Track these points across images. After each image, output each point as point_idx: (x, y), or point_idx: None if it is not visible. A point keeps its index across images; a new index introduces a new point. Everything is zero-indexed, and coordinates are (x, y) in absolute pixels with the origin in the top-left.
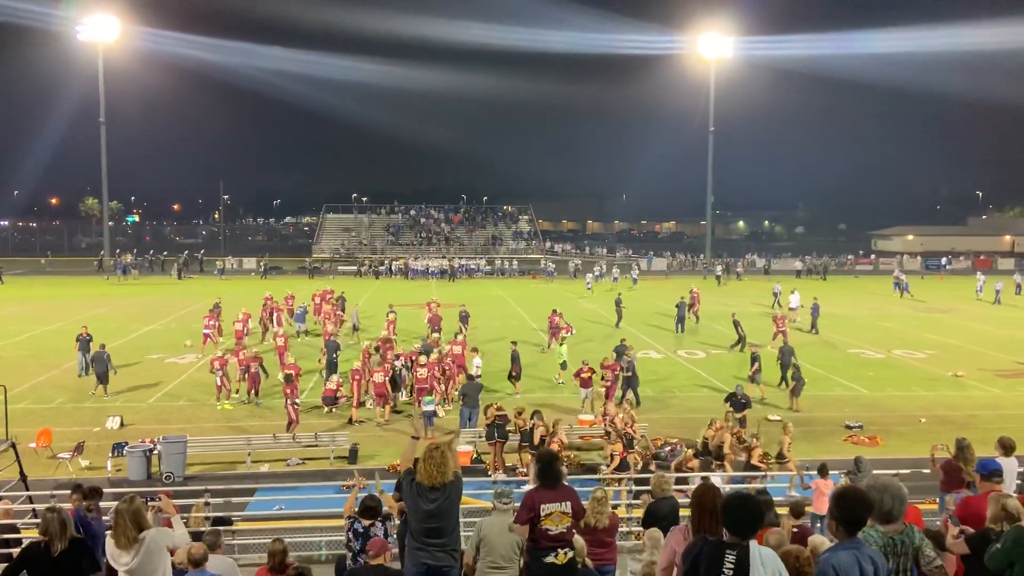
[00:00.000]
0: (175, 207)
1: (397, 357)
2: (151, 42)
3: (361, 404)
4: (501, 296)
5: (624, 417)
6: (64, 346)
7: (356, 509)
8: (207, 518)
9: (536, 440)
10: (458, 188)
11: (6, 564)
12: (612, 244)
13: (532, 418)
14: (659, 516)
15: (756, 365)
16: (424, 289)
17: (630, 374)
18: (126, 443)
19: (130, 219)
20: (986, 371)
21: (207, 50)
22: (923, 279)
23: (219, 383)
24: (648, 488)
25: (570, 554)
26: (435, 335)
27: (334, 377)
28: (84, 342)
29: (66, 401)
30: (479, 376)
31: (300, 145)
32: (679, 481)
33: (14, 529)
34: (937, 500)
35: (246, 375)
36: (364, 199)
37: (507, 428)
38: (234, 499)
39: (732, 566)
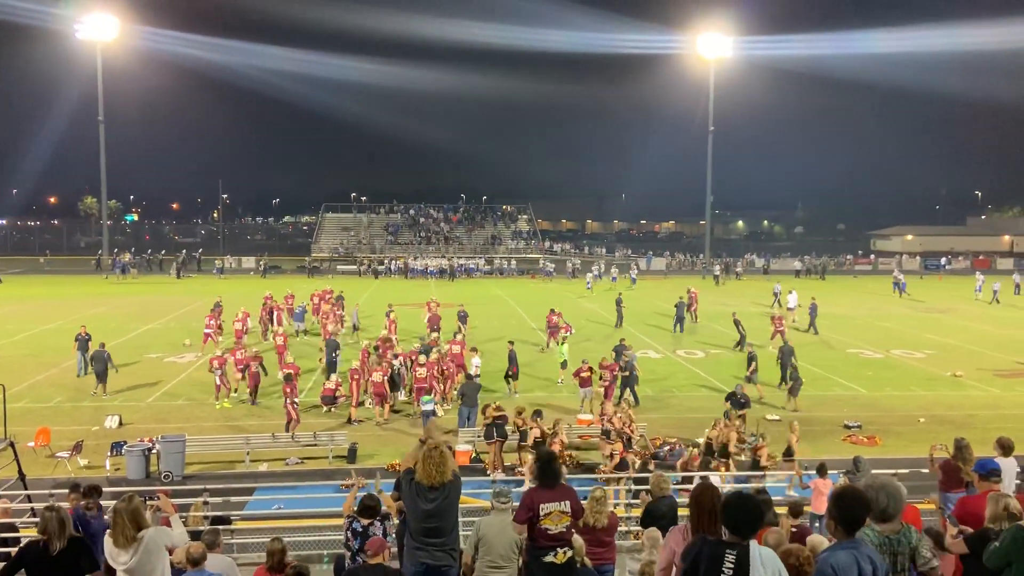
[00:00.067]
0: (174, 206)
1: (395, 356)
2: (150, 41)
3: (360, 404)
4: (500, 296)
5: (622, 416)
6: (63, 345)
7: (355, 508)
8: (206, 517)
9: (530, 441)
10: (457, 188)
11: (4, 563)
12: (611, 244)
13: (533, 418)
14: (658, 515)
15: (753, 365)
16: (423, 289)
17: (627, 373)
18: (125, 442)
19: (129, 218)
20: (985, 371)
21: (206, 49)
22: (922, 279)
23: (218, 382)
24: (647, 487)
25: (569, 553)
26: (434, 335)
27: (333, 376)
28: (83, 342)
29: (65, 400)
30: (478, 376)
31: (299, 144)
32: (685, 480)
33: (13, 528)
34: (937, 499)
35: (245, 374)
36: (363, 198)
37: (506, 428)
38: (233, 498)
39: (732, 566)
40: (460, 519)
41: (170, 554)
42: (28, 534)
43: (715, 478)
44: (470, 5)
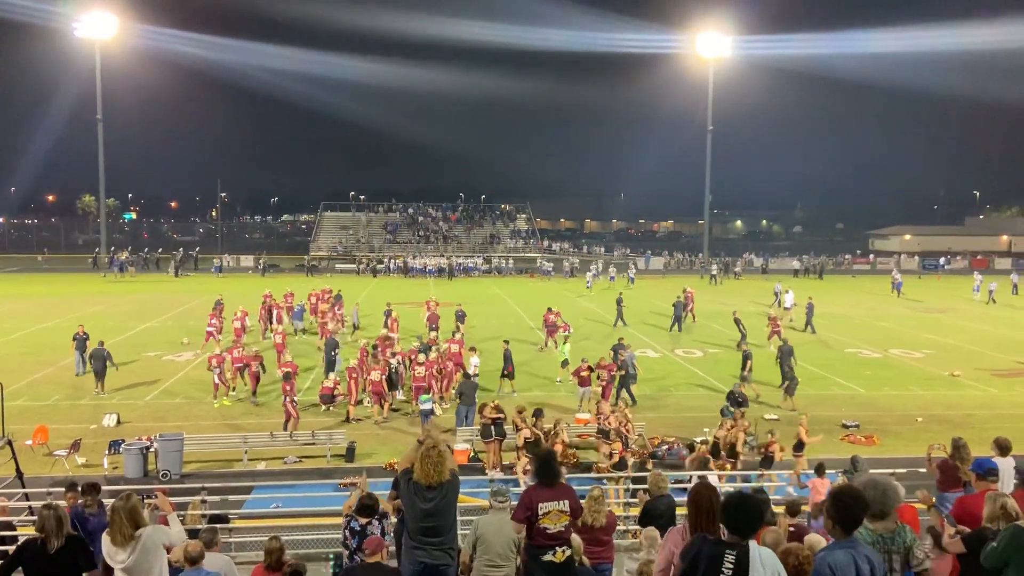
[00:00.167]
0: (172, 205)
1: (393, 356)
2: (149, 39)
3: (359, 402)
4: (499, 295)
5: (618, 416)
6: (61, 343)
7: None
8: (204, 516)
9: (520, 441)
10: (456, 187)
11: (2, 561)
12: (610, 243)
13: (530, 417)
14: (656, 514)
15: (748, 364)
16: (422, 288)
17: (623, 372)
18: (123, 440)
19: (127, 216)
20: (983, 371)
21: (205, 48)
22: (920, 279)
23: (216, 381)
24: (645, 487)
25: (568, 552)
26: (433, 334)
27: (331, 375)
28: (81, 341)
29: (63, 398)
30: (477, 375)
31: (298, 143)
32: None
33: (10, 526)
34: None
35: (245, 374)
36: (362, 197)
37: (504, 427)
38: (231, 497)
39: (732, 566)
40: (458, 518)
41: (168, 553)
42: (26, 532)
43: (714, 478)
44: (469, 4)
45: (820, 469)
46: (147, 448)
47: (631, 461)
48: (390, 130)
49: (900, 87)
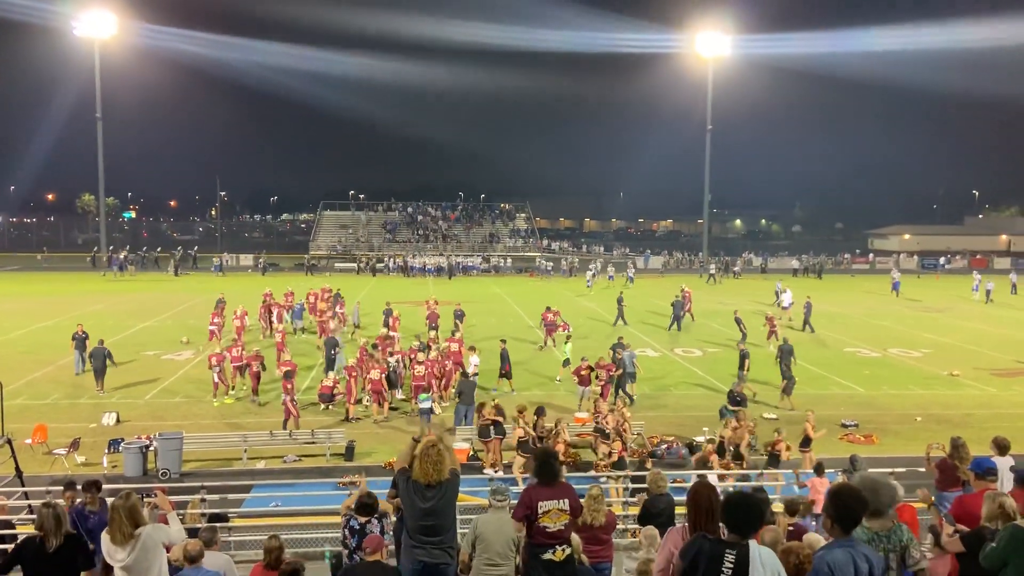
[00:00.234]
0: (172, 203)
1: (391, 355)
2: (148, 38)
3: (358, 401)
4: (498, 294)
5: (616, 415)
6: (60, 342)
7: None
8: (203, 514)
9: (513, 440)
10: (455, 185)
11: (1, 559)
12: (609, 242)
13: (535, 416)
14: (655, 513)
15: (746, 363)
16: (422, 287)
17: (621, 371)
18: (122, 439)
19: (127, 215)
20: (982, 370)
21: (204, 46)
22: (919, 278)
23: (216, 380)
24: (644, 486)
25: (568, 551)
26: (432, 333)
27: (331, 374)
28: (80, 340)
29: (62, 397)
30: (476, 374)
31: (297, 142)
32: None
33: (9, 525)
34: (927, 492)
35: (246, 372)
36: (361, 196)
37: (504, 426)
38: (230, 496)
39: (731, 565)
40: (457, 517)
41: (167, 551)
42: (25, 531)
43: (713, 477)
44: (469, 3)
45: (819, 468)
46: (146, 447)
47: (629, 460)
48: (390, 129)
49: (900, 86)
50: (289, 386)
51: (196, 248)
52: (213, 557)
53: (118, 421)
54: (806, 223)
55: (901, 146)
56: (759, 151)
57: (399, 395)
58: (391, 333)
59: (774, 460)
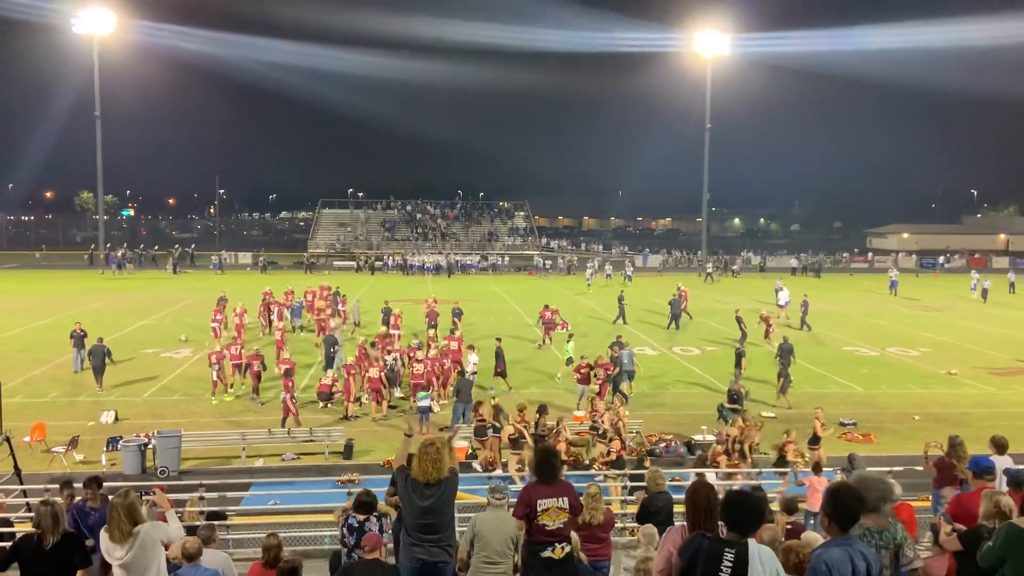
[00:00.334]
0: (170, 201)
1: (388, 353)
2: (147, 35)
3: (357, 400)
4: (497, 292)
5: (611, 414)
6: (58, 340)
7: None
8: (202, 512)
9: (504, 438)
10: (454, 184)
11: None
12: (608, 241)
13: (537, 415)
14: (653, 511)
15: (742, 362)
16: (420, 285)
17: (618, 370)
18: (121, 437)
19: (125, 213)
20: (980, 369)
21: (203, 43)
22: (918, 277)
23: (215, 378)
24: (642, 484)
25: (567, 549)
26: (431, 331)
27: (329, 372)
28: (79, 338)
29: (60, 395)
30: (475, 373)
31: (296, 140)
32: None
33: (8, 523)
34: (930, 497)
35: (247, 371)
36: (360, 194)
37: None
38: (229, 494)
39: (730, 564)
40: (456, 515)
41: (166, 549)
42: (24, 529)
43: (711, 475)
44: (468, 2)
45: (817, 467)
46: (145, 445)
47: (627, 459)
48: (388, 127)
49: (899, 85)
50: (289, 384)
51: (193, 246)
52: (211, 555)
53: (116, 419)
54: (805, 222)
55: (900, 145)
56: (758, 150)
57: (398, 393)
58: (392, 331)
59: (782, 461)
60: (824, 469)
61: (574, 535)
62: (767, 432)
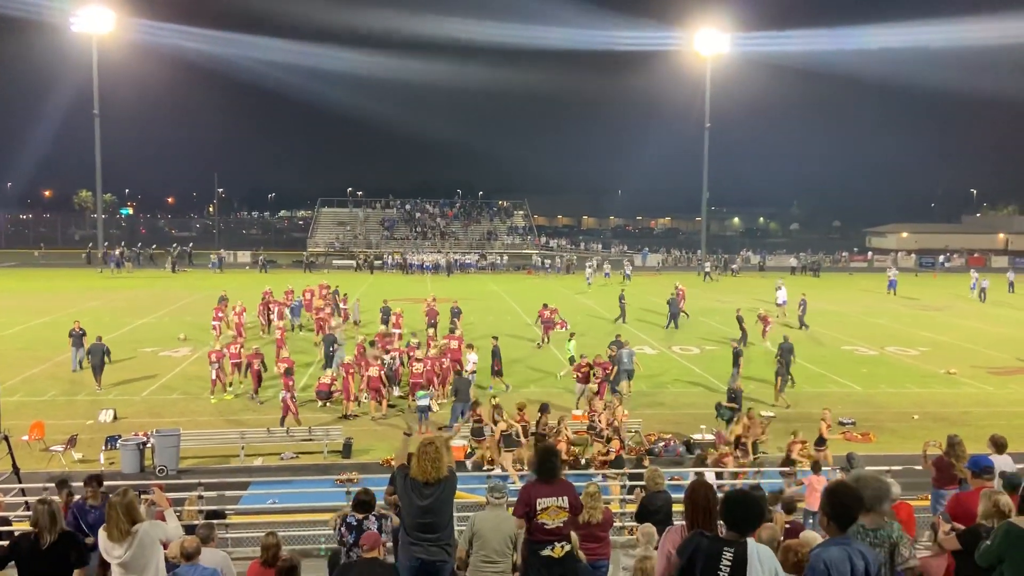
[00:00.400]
0: (169, 200)
1: (386, 352)
2: (146, 34)
3: (356, 399)
4: (496, 291)
5: (608, 413)
6: (57, 339)
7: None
8: (200, 511)
9: (496, 435)
10: (453, 183)
11: None
12: (607, 240)
13: (539, 413)
14: (652, 510)
15: (739, 362)
16: (420, 284)
17: (615, 368)
18: (119, 436)
19: (124, 212)
20: (979, 368)
21: (202, 42)
22: (917, 276)
23: (215, 377)
24: (641, 483)
25: (567, 548)
26: (431, 330)
27: (328, 371)
28: (77, 337)
29: (59, 394)
30: (475, 372)
31: (295, 139)
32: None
33: (6, 522)
34: (929, 496)
35: (248, 371)
36: (359, 193)
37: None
38: (227, 493)
39: (729, 563)
40: (455, 514)
41: (165, 548)
42: (22, 527)
43: (710, 475)
44: (468, 1)
45: (816, 466)
46: (144, 444)
47: (626, 458)
48: (388, 126)
49: (898, 84)
50: (290, 383)
51: (191, 245)
52: (210, 554)
53: (115, 418)
54: (804, 221)
55: (899, 144)
56: (757, 149)
57: (396, 392)
58: (393, 330)
59: (789, 461)
60: (823, 468)
61: (573, 534)
62: (772, 432)
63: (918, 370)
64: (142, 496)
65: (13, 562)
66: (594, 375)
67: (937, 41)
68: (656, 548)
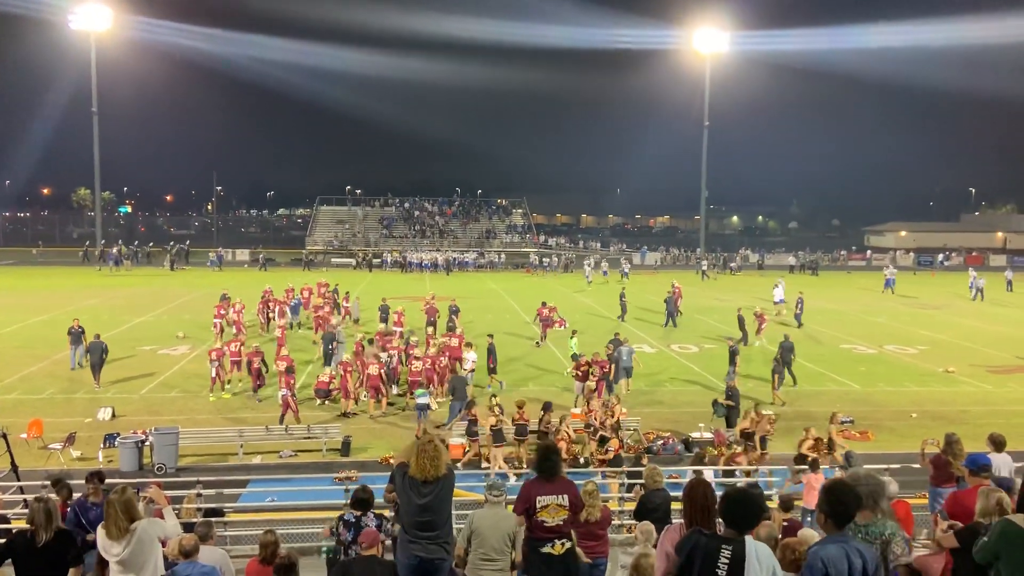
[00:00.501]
0: (168, 198)
1: (383, 350)
2: (144, 31)
3: (355, 398)
4: (495, 289)
5: (605, 412)
6: (55, 337)
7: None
8: (199, 509)
9: (488, 428)
10: (452, 181)
11: None
12: (606, 238)
13: (542, 412)
14: (651, 508)
15: (736, 360)
16: (419, 282)
17: (614, 367)
18: (118, 434)
19: (122, 210)
20: (977, 367)
21: (201, 40)
22: (915, 275)
23: (214, 375)
24: (640, 482)
25: (568, 545)
26: (430, 328)
27: (327, 369)
28: (76, 335)
29: (57, 392)
30: (474, 371)
31: (294, 137)
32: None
33: (5, 519)
34: (927, 494)
35: (248, 369)
36: (358, 191)
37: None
38: (226, 490)
39: (727, 561)
40: (453, 512)
41: (163, 546)
42: (20, 525)
43: (709, 473)
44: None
45: (814, 464)
46: (142, 442)
47: (625, 456)
48: (386, 124)
49: (897, 83)
50: (290, 381)
51: (188, 243)
52: (209, 552)
53: (114, 416)
54: (803, 220)
55: (898, 143)
56: (756, 148)
57: (395, 390)
58: (393, 328)
59: (801, 459)
60: (821, 467)
61: (572, 532)
62: (775, 430)
63: (916, 368)
64: (140, 494)
65: (10, 560)
66: (592, 374)
67: (936, 40)
68: (655, 546)
